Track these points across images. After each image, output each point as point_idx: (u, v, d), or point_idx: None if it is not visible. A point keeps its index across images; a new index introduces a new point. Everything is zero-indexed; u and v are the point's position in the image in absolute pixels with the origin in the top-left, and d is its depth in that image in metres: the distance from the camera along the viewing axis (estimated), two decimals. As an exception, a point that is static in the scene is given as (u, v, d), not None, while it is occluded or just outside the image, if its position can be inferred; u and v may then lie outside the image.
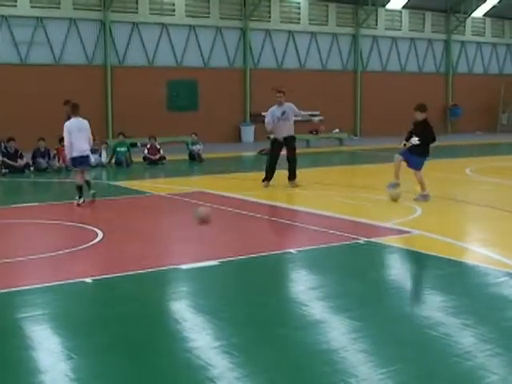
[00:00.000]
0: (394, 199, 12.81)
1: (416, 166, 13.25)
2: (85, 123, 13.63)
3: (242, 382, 4.66)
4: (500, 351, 5.20)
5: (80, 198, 13.00)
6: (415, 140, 13.08)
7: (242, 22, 33.83)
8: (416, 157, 13.17)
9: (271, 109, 16.17)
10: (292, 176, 15.72)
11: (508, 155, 25.49)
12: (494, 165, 20.57)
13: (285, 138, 15.90)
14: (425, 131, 13.18)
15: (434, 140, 13.22)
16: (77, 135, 13.30)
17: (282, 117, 15.87)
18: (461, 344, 5.35)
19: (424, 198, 12.96)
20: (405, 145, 13.37)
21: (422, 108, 13.48)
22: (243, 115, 34.11)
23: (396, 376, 4.74)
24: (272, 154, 16.02)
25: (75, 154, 13.33)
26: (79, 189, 13.12)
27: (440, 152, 23.26)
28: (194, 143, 23.31)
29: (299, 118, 16.47)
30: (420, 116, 13.37)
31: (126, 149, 21.94)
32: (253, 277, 7.86)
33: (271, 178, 15.68)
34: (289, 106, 16.16)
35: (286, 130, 15.97)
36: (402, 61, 39.48)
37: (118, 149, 21.80)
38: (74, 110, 13.63)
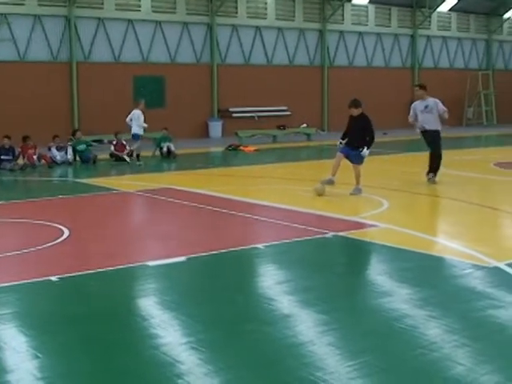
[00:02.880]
0: (320, 194, 12.92)
1: (357, 160, 13.46)
2: None
3: (210, 378, 4.65)
4: (465, 342, 5.25)
5: None
6: (366, 152, 13.31)
7: (208, 17, 33.73)
8: (356, 151, 13.37)
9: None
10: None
11: (474, 148, 25.79)
12: (460, 158, 20.77)
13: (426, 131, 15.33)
14: (366, 126, 13.38)
15: (373, 138, 13.43)
16: None
17: (424, 110, 15.25)
18: (427, 335, 5.40)
19: (358, 191, 13.13)
20: (340, 143, 13.70)
21: (357, 104, 13.64)
22: (211, 111, 34.04)
23: (363, 368, 4.76)
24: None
25: None
26: None
27: (406, 146, 23.48)
28: (165, 139, 23.16)
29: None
30: (356, 112, 13.55)
31: (86, 146, 21.67)
32: (220, 272, 7.85)
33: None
34: (433, 101, 15.45)
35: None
36: (368, 56, 39.70)
37: (77, 147, 21.48)
38: None
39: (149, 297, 6.74)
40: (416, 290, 6.74)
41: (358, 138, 13.39)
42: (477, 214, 11.41)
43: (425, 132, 15.16)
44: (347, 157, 13.56)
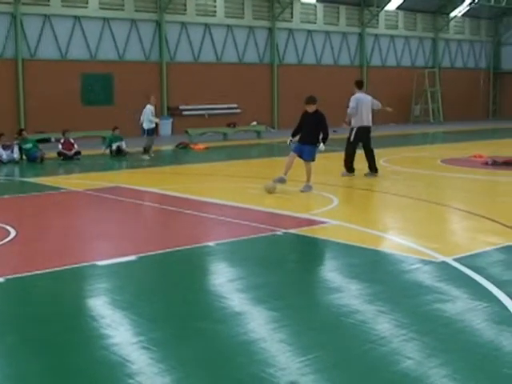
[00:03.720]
0: (270, 192, 12.97)
1: (309, 156, 13.61)
2: None
3: (162, 377, 4.63)
4: (414, 336, 5.33)
5: None
6: (323, 148, 13.57)
7: (157, 14, 33.51)
8: (309, 146, 13.55)
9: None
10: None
11: (421, 145, 26.20)
12: (408, 155, 21.08)
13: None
14: (321, 122, 13.59)
15: (327, 134, 13.67)
16: None
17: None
18: (376, 330, 5.47)
19: (309, 188, 13.25)
20: (291, 141, 13.92)
21: (313, 100, 13.83)
22: (160, 109, 33.83)
23: (313, 364, 4.80)
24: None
25: None
26: None
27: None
28: (116, 138, 22.90)
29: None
30: (312, 108, 13.72)
31: (32, 145, 21.32)
32: (171, 271, 7.81)
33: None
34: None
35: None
36: (317, 53, 39.96)
37: (23, 146, 21.14)
38: None
39: (99, 296, 6.66)
40: (365, 285, 6.82)
41: (312, 134, 13.50)
42: (424, 210, 11.59)
43: (363, 128, 15.54)
44: (300, 155, 13.64)
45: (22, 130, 22.75)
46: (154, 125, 21.33)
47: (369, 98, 16.06)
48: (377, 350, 5.04)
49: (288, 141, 13.99)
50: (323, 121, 13.61)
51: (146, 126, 21.19)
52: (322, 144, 13.52)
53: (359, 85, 16.46)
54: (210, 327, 5.66)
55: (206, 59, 35.46)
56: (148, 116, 21.01)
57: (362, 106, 15.48)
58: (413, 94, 43.75)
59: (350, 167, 15.70)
